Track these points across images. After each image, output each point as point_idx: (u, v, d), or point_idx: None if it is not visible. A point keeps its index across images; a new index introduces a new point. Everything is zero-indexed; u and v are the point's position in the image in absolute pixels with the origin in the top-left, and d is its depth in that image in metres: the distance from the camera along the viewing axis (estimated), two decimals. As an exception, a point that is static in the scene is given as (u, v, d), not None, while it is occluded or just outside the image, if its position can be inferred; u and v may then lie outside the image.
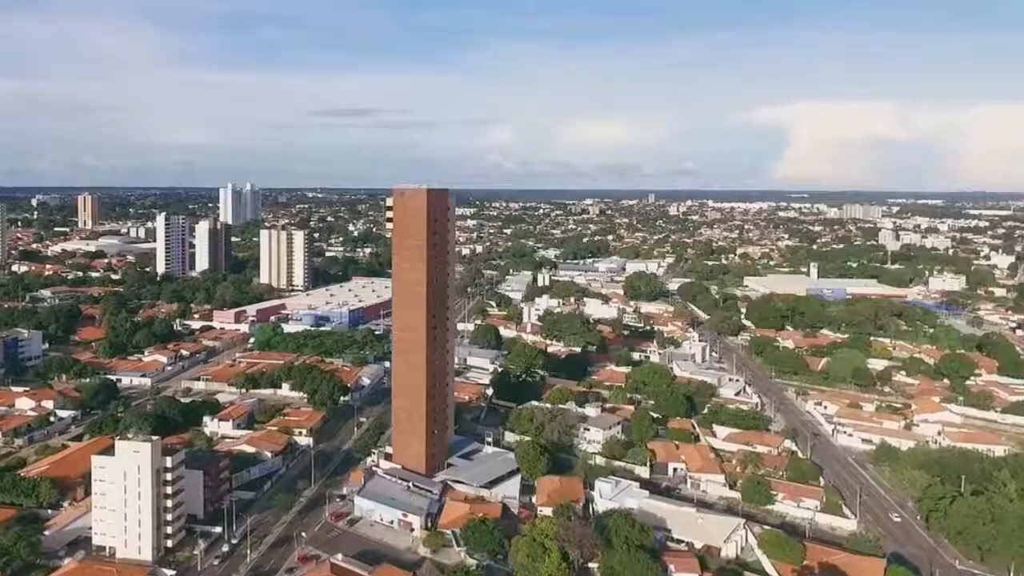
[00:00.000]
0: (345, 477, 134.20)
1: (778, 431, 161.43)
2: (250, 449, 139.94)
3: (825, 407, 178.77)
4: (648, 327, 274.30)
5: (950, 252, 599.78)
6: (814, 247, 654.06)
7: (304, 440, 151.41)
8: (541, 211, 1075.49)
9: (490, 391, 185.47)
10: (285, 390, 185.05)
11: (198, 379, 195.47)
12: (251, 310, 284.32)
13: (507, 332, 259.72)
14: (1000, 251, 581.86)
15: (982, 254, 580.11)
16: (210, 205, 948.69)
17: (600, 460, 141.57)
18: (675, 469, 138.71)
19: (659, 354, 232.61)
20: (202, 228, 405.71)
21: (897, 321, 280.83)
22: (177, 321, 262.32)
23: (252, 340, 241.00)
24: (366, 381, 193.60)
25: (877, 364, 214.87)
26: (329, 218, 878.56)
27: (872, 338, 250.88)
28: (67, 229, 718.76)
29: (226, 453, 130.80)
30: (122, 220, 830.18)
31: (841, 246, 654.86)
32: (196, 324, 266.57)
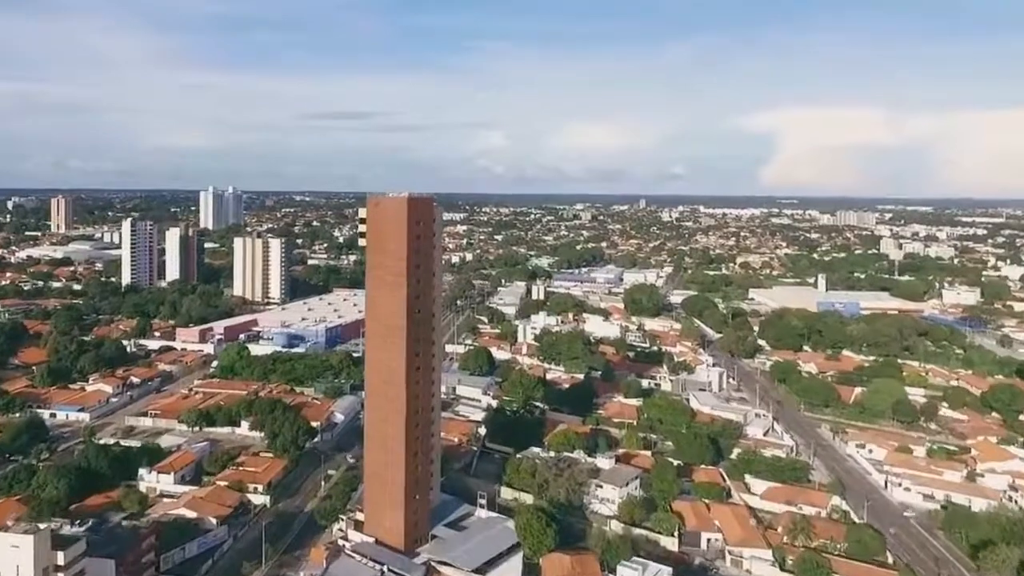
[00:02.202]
0: (304, 553, 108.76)
1: (823, 484, 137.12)
2: (190, 514, 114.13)
3: (870, 451, 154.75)
4: (655, 348, 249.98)
5: (955, 262, 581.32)
6: (814, 255, 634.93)
7: (259, 499, 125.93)
8: (532, 216, 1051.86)
9: (482, 430, 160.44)
10: (244, 429, 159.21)
11: (145, 414, 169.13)
12: (218, 327, 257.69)
13: (501, 354, 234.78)
14: (1008, 261, 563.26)
15: (989, 264, 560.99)
16: (192, 208, 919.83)
17: (617, 526, 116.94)
18: (709, 540, 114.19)
19: (671, 381, 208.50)
20: (173, 235, 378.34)
21: (924, 341, 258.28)
22: (132, 341, 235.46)
23: (215, 364, 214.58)
24: (340, 417, 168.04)
25: (915, 393, 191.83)
26: (315, 222, 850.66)
27: (899, 361, 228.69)
28: (39, 233, 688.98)
29: (152, 528, 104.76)
30: (99, 224, 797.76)
31: (843, 255, 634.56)
32: (154, 344, 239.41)
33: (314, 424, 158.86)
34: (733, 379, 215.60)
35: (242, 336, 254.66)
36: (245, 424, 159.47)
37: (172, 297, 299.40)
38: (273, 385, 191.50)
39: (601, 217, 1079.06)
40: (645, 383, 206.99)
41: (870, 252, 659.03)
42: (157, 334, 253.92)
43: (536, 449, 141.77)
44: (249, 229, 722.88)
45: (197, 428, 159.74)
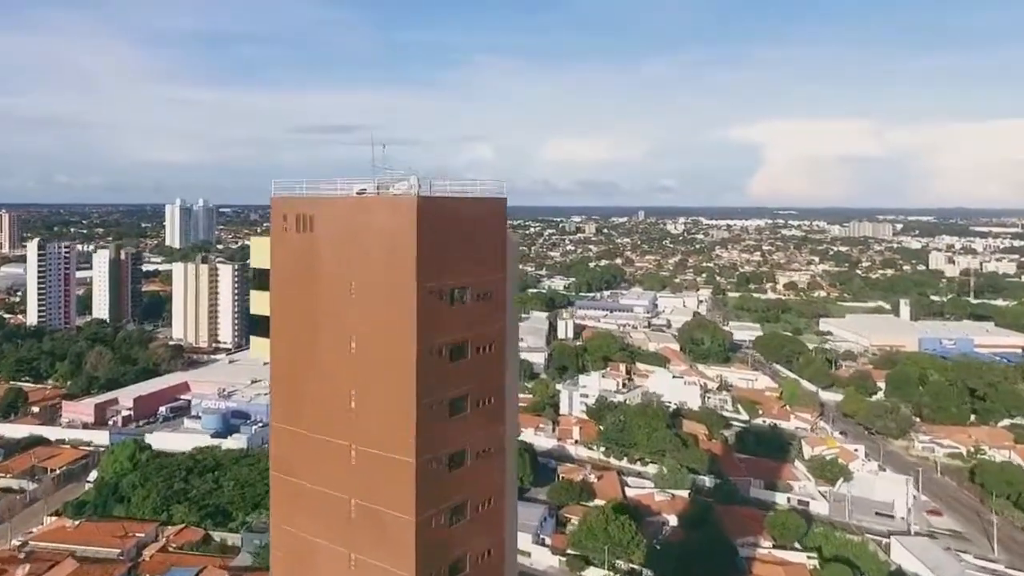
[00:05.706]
0: None
1: None
2: None
3: None
4: (765, 423, 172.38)
5: (1023, 280, 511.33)
6: (858, 272, 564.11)
7: None
8: (533, 230, 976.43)
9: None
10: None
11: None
12: (127, 397, 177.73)
13: (540, 439, 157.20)
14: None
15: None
16: (164, 224, 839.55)
17: None
18: None
19: (826, 498, 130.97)
20: (100, 258, 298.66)
21: None
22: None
23: (94, 475, 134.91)
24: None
25: None
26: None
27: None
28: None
29: None
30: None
31: (890, 272, 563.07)
32: (23, 429, 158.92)
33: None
34: (916, 490, 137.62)
35: (161, 410, 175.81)
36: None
37: (79, 346, 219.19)
38: (175, 529, 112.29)
39: (606, 230, 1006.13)
40: (780, 499, 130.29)
41: (918, 267, 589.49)
42: (36, 409, 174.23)
43: None
44: (221, 247, 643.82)
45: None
